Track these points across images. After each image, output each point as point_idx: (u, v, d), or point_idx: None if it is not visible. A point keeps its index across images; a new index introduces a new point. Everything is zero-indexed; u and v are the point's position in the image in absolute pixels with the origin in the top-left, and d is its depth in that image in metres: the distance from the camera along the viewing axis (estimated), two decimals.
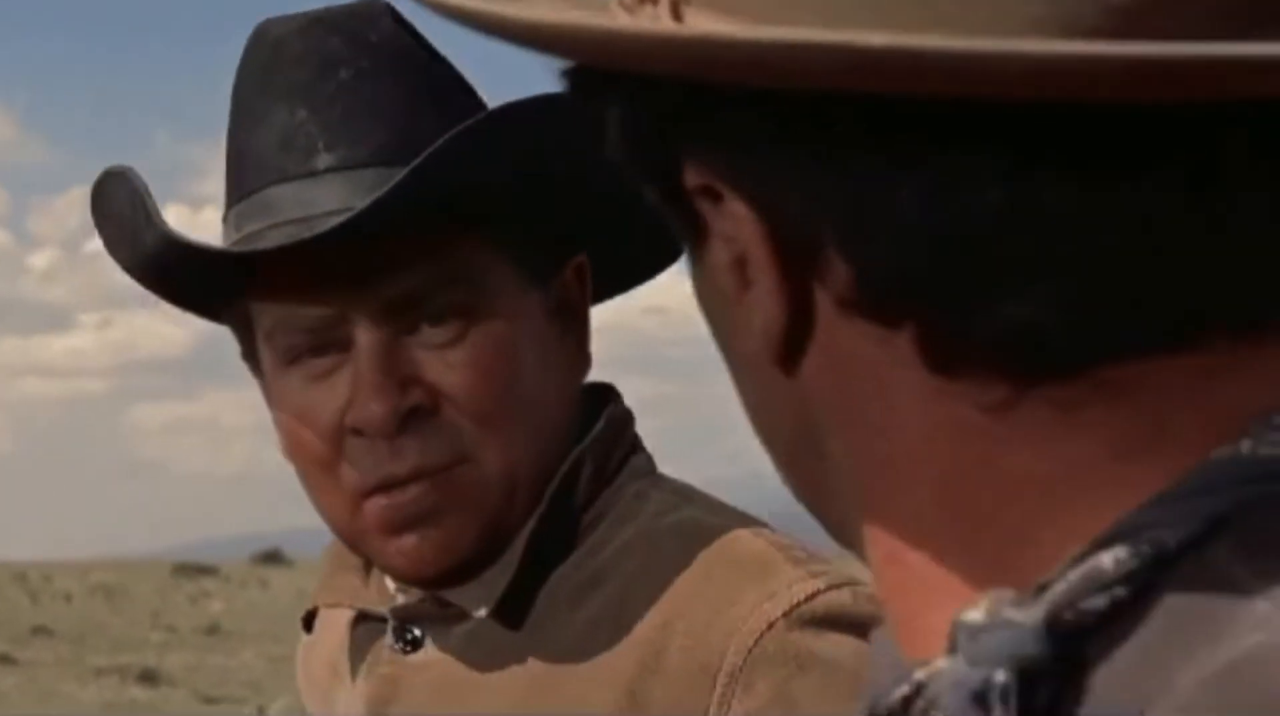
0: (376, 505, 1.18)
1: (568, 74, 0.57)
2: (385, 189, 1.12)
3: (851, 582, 1.13)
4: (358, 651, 1.30)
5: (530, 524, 1.19)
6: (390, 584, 1.28)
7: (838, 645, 1.10)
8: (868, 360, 0.54)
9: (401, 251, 1.16)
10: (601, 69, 0.54)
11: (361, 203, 1.13)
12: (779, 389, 0.57)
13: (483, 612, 1.20)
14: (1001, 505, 0.53)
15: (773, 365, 0.56)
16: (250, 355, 1.27)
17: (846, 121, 0.50)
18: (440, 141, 1.13)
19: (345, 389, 1.18)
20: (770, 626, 1.10)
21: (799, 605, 1.11)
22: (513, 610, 1.20)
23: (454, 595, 1.21)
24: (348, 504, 1.20)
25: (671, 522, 1.20)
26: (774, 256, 0.54)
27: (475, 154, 1.14)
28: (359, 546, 1.23)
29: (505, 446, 1.19)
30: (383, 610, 1.26)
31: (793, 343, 0.55)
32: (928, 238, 0.50)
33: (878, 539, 0.56)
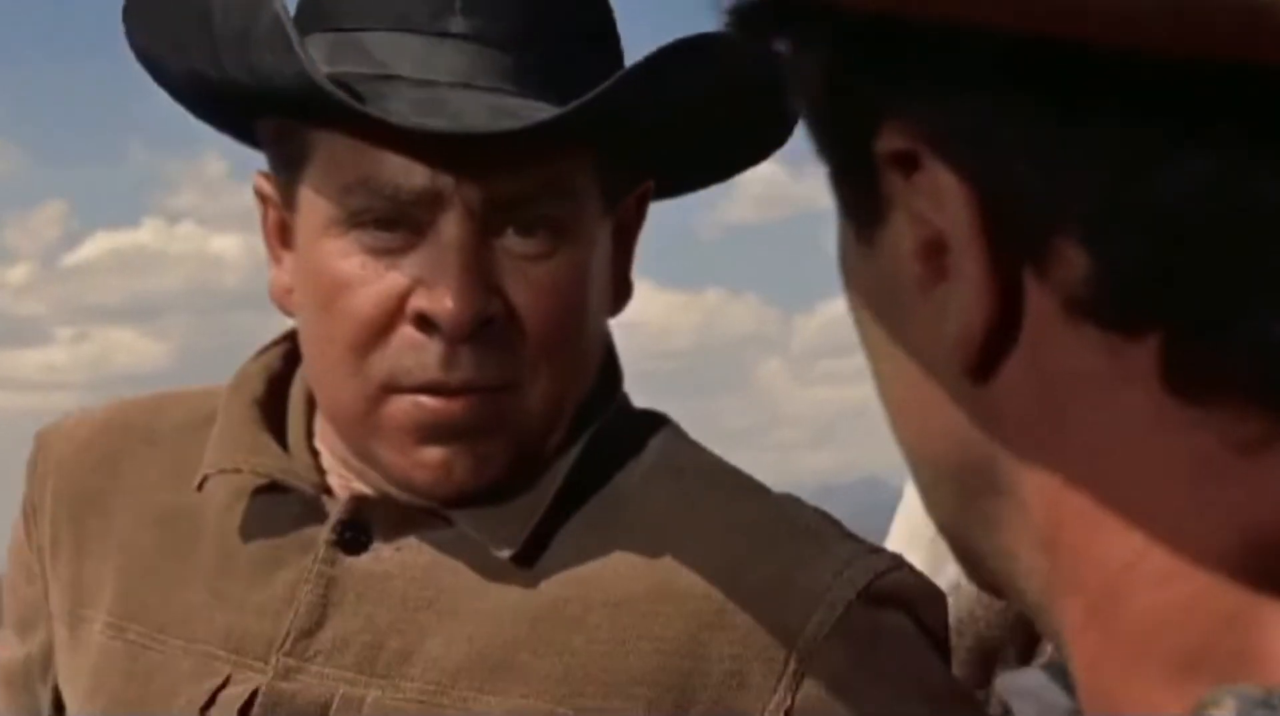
0: (412, 403, 1.08)
1: (761, 3, 0.49)
2: (580, 101, 1.03)
3: (904, 561, 1.12)
4: (260, 525, 1.16)
5: (565, 464, 1.12)
6: (336, 467, 1.16)
7: (904, 623, 1.09)
8: (1088, 375, 0.45)
9: (520, 149, 1.06)
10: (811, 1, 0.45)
11: (485, 83, 1.06)
12: (957, 402, 0.48)
13: (506, 554, 1.10)
14: (1244, 564, 0.44)
15: (960, 373, 0.47)
16: (287, 190, 1.13)
17: (1127, 81, 0.42)
18: (632, 68, 1.06)
19: (412, 272, 1.07)
20: (857, 597, 1.07)
21: (875, 580, 1.08)
22: (532, 549, 1.11)
23: (468, 521, 1.11)
24: (369, 394, 1.09)
25: (699, 467, 1.15)
26: (986, 241, 0.45)
27: (646, 84, 1.07)
28: (364, 441, 1.11)
29: (555, 378, 1.10)
30: (324, 499, 1.15)
31: (993, 347, 0.46)
32: (1202, 229, 0.42)
33: (1074, 591, 0.47)
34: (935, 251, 0.47)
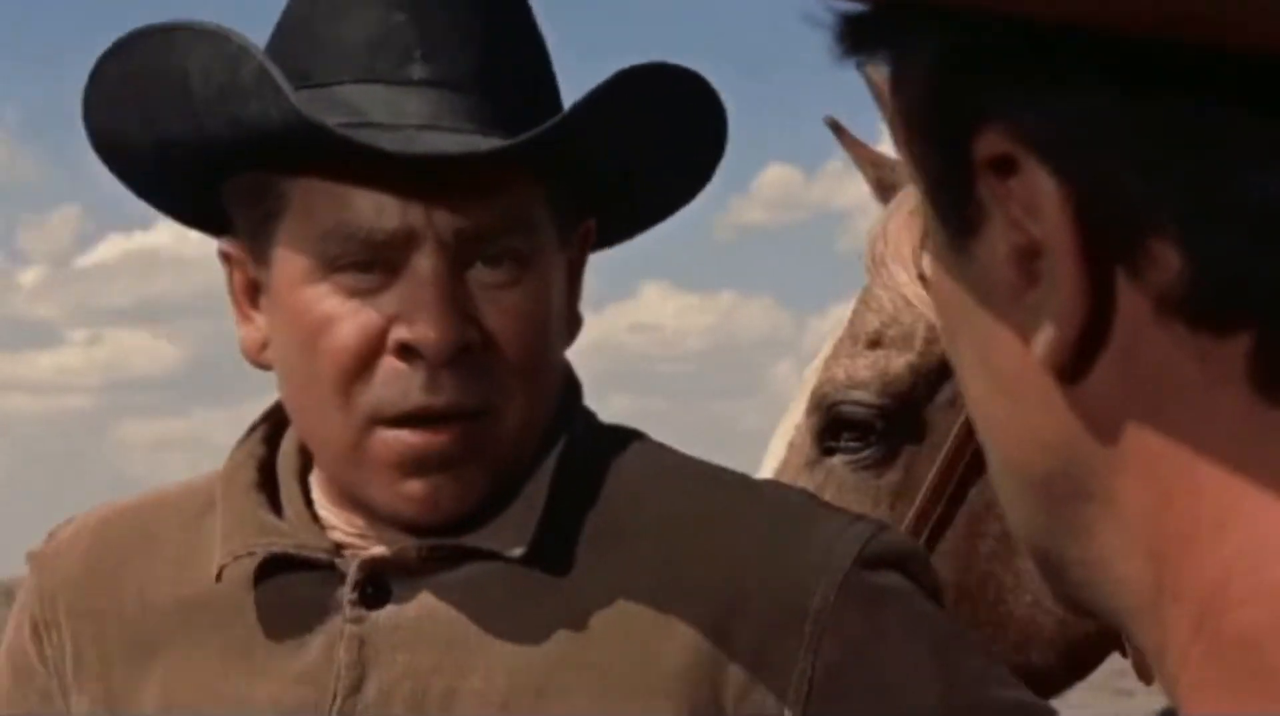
0: (395, 438, 1.15)
1: (866, 14, 0.50)
2: (543, 127, 1.12)
3: (886, 525, 1.26)
4: (281, 599, 1.21)
5: (548, 470, 1.20)
6: (341, 526, 1.22)
7: (899, 580, 1.19)
8: (1179, 377, 0.46)
9: (483, 186, 1.14)
10: (927, 2, 0.46)
11: (449, 123, 1.14)
12: (1048, 408, 0.49)
13: (517, 552, 1.17)
14: None
15: (1052, 378, 0.48)
16: (259, 246, 1.19)
17: (1230, 81, 0.43)
18: (589, 94, 1.14)
19: (390, 308, 1.14)
20: (853, 563, 1.17)
21: (866, 545, 1.18)
22: (543, 552, 1.18)
23: (475, 538, 1.18)
24: (356, 428, 1.16)
25: (685, 469, 1.24)
26: (1082, 243, 0.46)
27: (605, 113, 1.16)
28: (350, 476, 1.18)
29: (528, 400, 1.18)
30: (338, 561, 1.20)
31: (1086, 350, 0.47)
32: None
33: (1178, 603, 0.47)
34: (1029, 257, 0.48)
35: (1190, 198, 0.44)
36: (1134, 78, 0.44)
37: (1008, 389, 0.50)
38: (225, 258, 1.23)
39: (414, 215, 1.13)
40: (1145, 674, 1.85)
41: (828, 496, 1.81)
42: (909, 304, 1.86)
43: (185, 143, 1.17)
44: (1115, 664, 1.90)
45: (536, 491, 1.19)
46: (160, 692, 1.23)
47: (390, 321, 1.14)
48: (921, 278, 1.86)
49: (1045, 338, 0.47)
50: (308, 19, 1.19)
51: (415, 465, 1.15)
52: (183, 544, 1.27)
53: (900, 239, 1.89)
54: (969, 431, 1.82)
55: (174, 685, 1.22)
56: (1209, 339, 0.45)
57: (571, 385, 1.26)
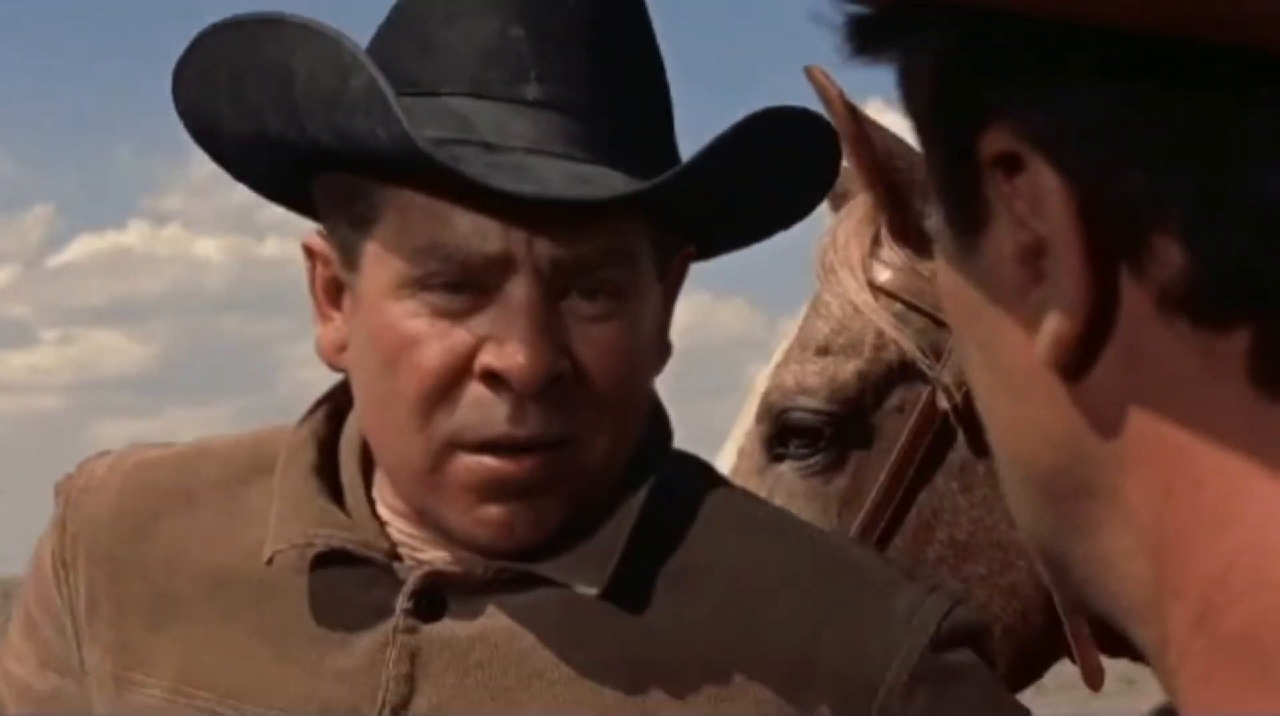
0: (475, 462, 1.12)
1: (876, 15, 0.50)
2: (666, 176, 1.09)
3: (959, 597, 1.22)
4: (330, 592, 1.18)
5: (634, 508, 1.16)
6: (401, 527, 1.19)
7: (971, 659, 1.17)
8: (1181, 373, 0.46)
9: (589, 218, 1.11)
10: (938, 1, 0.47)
11: (560, 149, 1.10)
12: (1052, 405, 0.49)
13: (593, 591, 1.14)
14: None
15: (1056, 376, 0.48)
16: (349, 249, 1.15)
17: (1236, 82, 0.43)
18: (716, 143, 1.12)
19: (480, 331, 1.11)
20: (930, 641, 1.15)
21: (942, 621, 1.16)
22: (615, 590, 1.14)
23: (547, 567, 1.15)
24: (434, 451, 1.12)
25: (762, 520, 1.22)
26: (1087, 240, 0.46)
27: (728, 159, 1.13)
28: (425, 498, 1.15)
29: (612, 434, 1.15)
30: (395, 566, 1.18)
31: (1089, 348, 0.47)
32: None
33: (1180, 598, 0.47)
34: (1035, 254, 0.48)
35: (1193, 195, 0.44)
36: (1138, 75, 0.45)
37: (1013, 386, 0.50)
38: (308, 252, 1.20)
39: (515, 241, 1.09)
40: (1092, 680, 1.86)
41: (777, 502, 1.81)
42: (857, 311, 1.87)
43: (283, 139, 1.14)
44: (1108, 664, 1.91)
45: (619, 529, 1.16)
46: (180, 657, 1.20)
47: (477, 345, 1.11)
48: (870, 285, 1.87)
49: (1049, 334, 0.48)
50: (420, 20, 1.15)
51: (495, 490, 1.12)
52: (222, 508, 1.24)
53: (850, 246, 1.90)
54: (917, 438, 1.84)
55: (196, 652, 1.20)
56: (1210, 335, 0.45)
57: (659, 416, 1.23)
